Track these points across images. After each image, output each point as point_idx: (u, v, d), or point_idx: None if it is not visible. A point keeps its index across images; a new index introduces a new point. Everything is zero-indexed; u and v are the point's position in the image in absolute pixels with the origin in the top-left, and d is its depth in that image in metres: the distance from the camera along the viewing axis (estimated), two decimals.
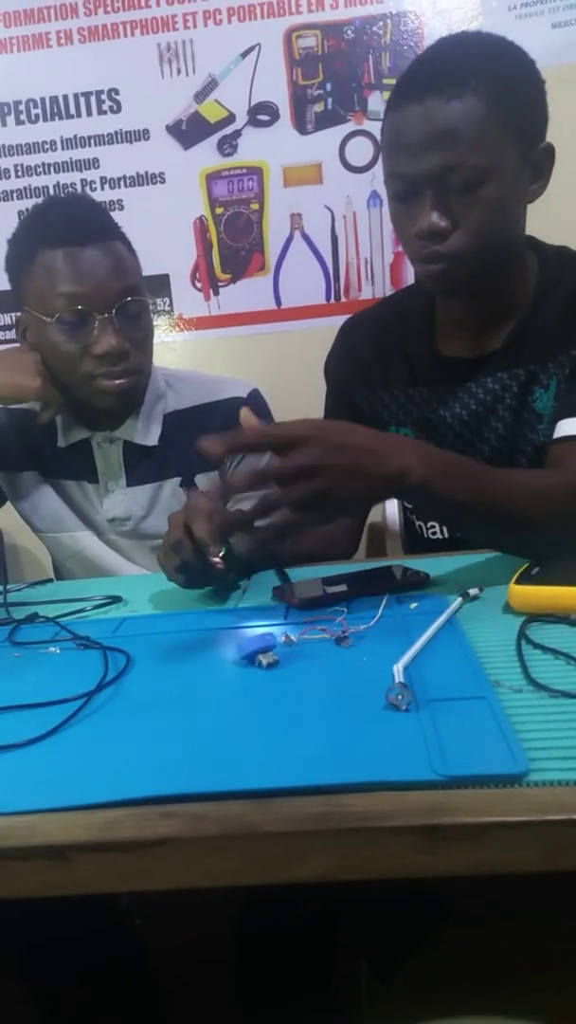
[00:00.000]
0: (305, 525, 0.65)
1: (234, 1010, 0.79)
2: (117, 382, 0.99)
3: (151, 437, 1.08)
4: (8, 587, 0.88)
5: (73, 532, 1.12)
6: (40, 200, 1.19)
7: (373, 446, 0.66)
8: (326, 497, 0.63)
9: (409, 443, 0.70)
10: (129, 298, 0.97)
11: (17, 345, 1.05)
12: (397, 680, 0.51)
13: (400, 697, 0.48)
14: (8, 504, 1.18)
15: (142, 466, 1.09)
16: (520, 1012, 0.53)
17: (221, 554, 0.73)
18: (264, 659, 0.58)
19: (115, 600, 0.84)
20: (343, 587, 0.74)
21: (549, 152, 0.86)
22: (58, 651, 0.68)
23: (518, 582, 0.66)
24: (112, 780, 0.44)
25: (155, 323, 1.77)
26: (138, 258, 1.05)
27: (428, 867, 0.38)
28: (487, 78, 0.79)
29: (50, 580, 1.05)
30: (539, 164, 0.86)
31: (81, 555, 1.13)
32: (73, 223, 0.98)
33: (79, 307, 0.95)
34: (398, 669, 0.52)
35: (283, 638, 0.62)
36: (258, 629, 0.69)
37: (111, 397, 1.00)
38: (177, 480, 1.10)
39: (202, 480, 1.11)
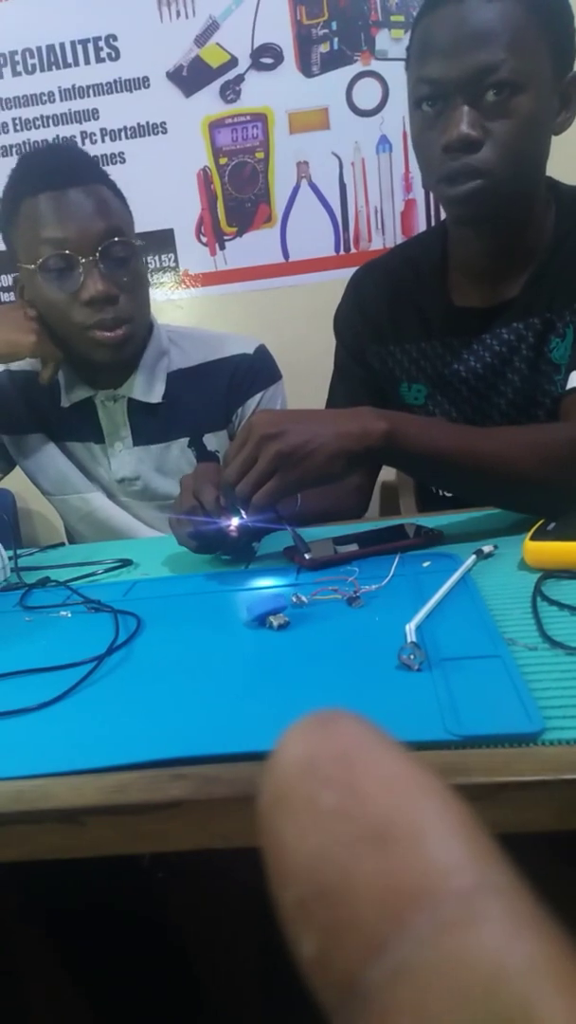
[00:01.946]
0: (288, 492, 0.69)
1: (258, 960, 0.81)
2: (111, 333, 0.97)
3: (155, 394, 1.06)
4: (20, 551, 0.88)
5: (83, 493, 1.11)
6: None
7: (316, 417, 0.70)
8: (284, 476, 0.68)
9: (369, 409, 0.72)
10: (114, 239, 0.95)
11: (13, 301, 1.04)
12: (409, 640, 0.50)
13: (412, 657, 0.48)
14: (18, 468, 1.17)
15: (148, 425, 1.08)
16: None
17: (234, 520, 0.72)
18: (275, 620, 0.58)
19: (126, 563, 0.83)
20: (355, 546, 0.73)
21: None
22: (69, 615, 0.68)
23: (533, 538, 0.64)
24: (124, 743, 0.44)
25: (160, 280, 1.75)
26: (127, 204, 1.03)
27: None
28: None
29: (62, 544, 1.04)
30: (567, 94, 0.82)
31: (92, 516, 1.13)
32: (53, 168, 0.96)
33: (61, 252, 0.93)
34: (410, 629, 0.52)
35: (294, 599, 0.62)
36: (269, 590, 0.68)
37: (107, 349, 0.98)
38: (185, 440, 1.09)
39: (211, 440, 1.10)
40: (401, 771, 0.22)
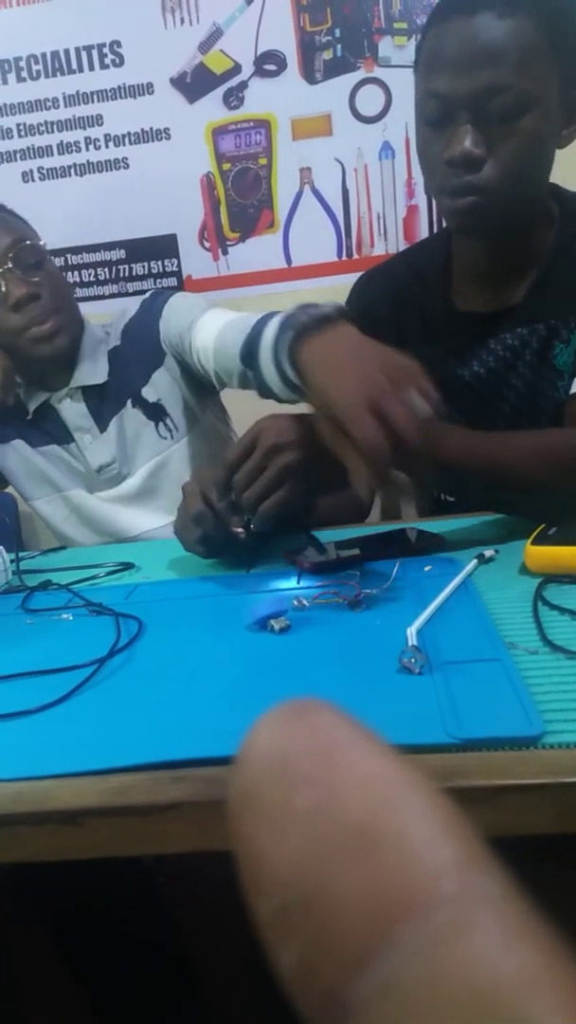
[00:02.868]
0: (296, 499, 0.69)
1: (258, 962, 0.80)
2: (42, 327, 1.03)
3: (99, 374, 1.11)
4: (21, 554, 0.88)
5: (64, 492, 1.16)
6: None
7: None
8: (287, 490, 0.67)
9: None
10: (20, 245, 1.02)
11: None
12: (410, 644, 0.50)
13: (413, 660, 0.48)
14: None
15: (103, 407, 1.13)
16: None
17: (244, 523, 0.73)
18: (276, 624, 0.58)
19: (127, 566, 0.84)
20: (356, 550, 0.73)
21: None
22: (71, 618, 0.68)
23: (535, 543, 0.64)
24: (125, 745, 0.44)
25: (164, 285, 1.76)
26: (25, 222, 1.10)
27: None
28: (544, 3, 0.75)
29: (63, 547, 1.05)
30: (574, 108, 0.82)
31: (77, 513, 1.16)
32: None
33: None
34: (411, 632, 0.52)
35: (295, 602, 0.62)
36: (271, 594, 0.68)
37: (45, 343, 1.04)
38: (129, 402, 1.12)
39: (150, 393, 1.12)
40: (382, 767, 0.20)
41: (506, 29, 0.74)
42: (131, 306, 1.18)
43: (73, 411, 1.11)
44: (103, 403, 1.12)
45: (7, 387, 1.07)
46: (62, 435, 1.13)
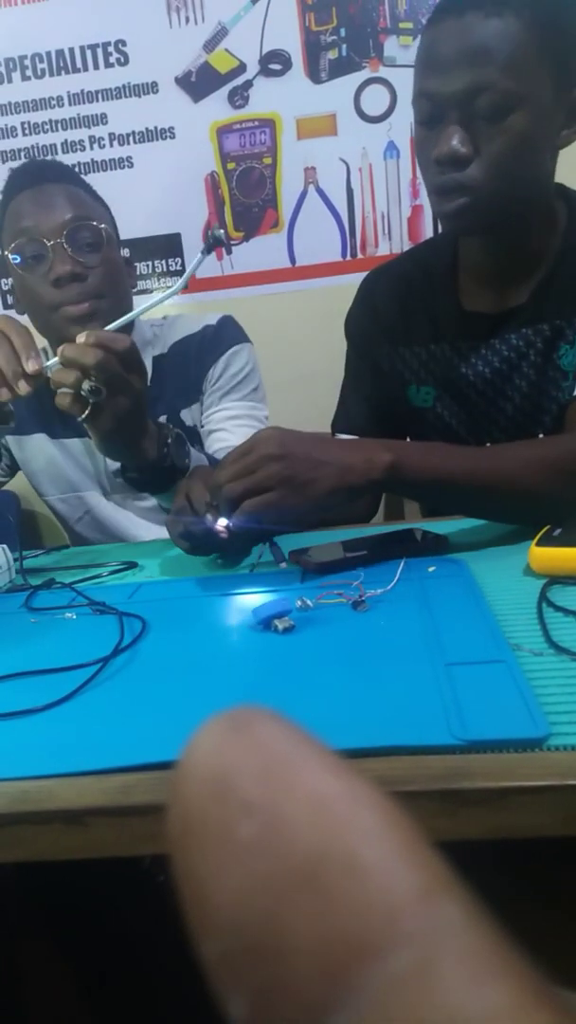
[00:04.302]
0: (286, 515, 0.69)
1: None
2: (78, 307, 1.01)
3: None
4: (25, 553, 0.88)
5: (80, 492, 1.14)
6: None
7: (321, 447, 0.70)
8: (279, 509, 0.67)
9: (374, 441, 0.73)
10: (80, 223, 1.00)
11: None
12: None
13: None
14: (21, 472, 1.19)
15: None
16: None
17: (221, 520, 0.72)
18: (280, 624, 0.58)
19: (131, 566, 0.84)
20: (360, 551, 0.73)
21: None
22: (74, 617, 0.68)
23: (539, 544, 0.64)
24: (128, 745, 0.44)
25: (168, 284, 1.75)
26: (104, 204, 1.08)
27: (446, 832, 0.38)
28: (533, 2, 0.75)
29: (66, 546, 1.05)
30: (574, 109, 0.82)
31: (90, 516, 1.15)
32: (31, 170, 1.05)
33: (30, 238, 0.99)
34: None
35: (299, 603, 0.62)
36: (274, 594, 0.68)
37: (75, 324, 1.01)
38: (164, 418, 1.11)
39: (186, 415, 1.13)
40: (331, 785, 0.18)
41: (492, 29, 0.75)
42: (186, 315, 1.18)
43: None
44: None
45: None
46: (86, 429, 1.12)
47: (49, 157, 1.73)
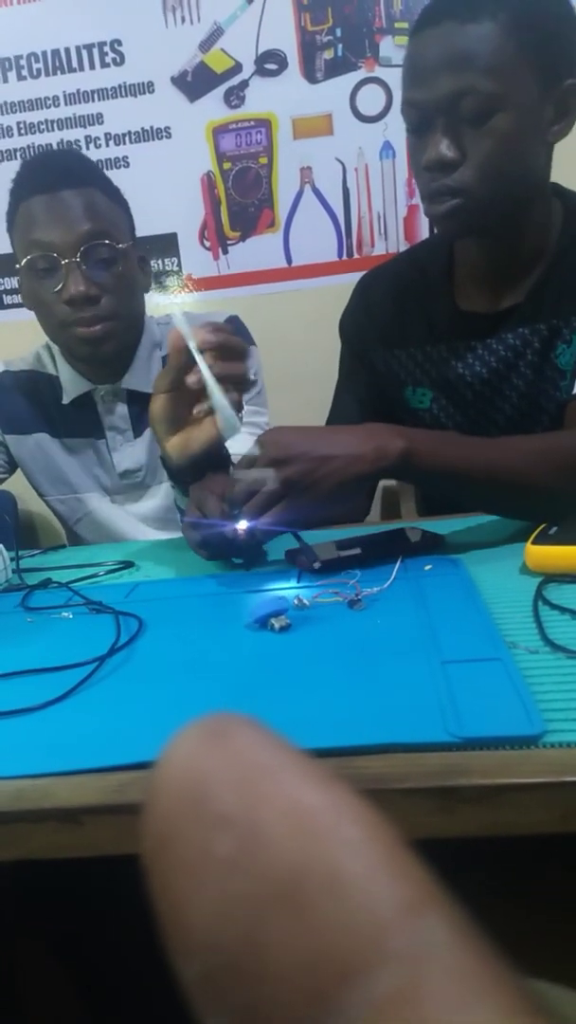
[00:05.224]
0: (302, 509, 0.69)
1: None
2: (90, 329, 0.99)
3: (150, 383, 1.09)
4: (21, 553, 0.88)
5: (80, 494, 1.13)
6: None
7: (329, 439, 0.70)
8: (298, 496, 0.67)
9: (384, 426, 0.72)
10: (97, 241, 0.97)
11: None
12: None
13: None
14: (20, 471, 1.18)
15: (144, 414, 1.10)
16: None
17: (241, 523, 0.72)
18: (276, 623, 0.58)
19: (127, 565, 0.83)
20: (356, 550, 0.73)
21: (575, 91, 0.82)
22: (71, 616, 0.68)
23: (535, 542, 0.64)
24: (124, 743, 0.44)
25: (164, 284, 1.75)
26: (125, 206, 1.05)
27: (443, 829, 0.38)
28: (508, 4, 0.76)
29: (63, 546, 1.05)
30: (564, 102, 0.82)
31: (90, 518, 1.14)
32: (48, 171, 0.99)
33: (44, 253, 0.96)
34: None
35: (296, 601, 0.62)
36: (271, 593, 0.68)
37: (86, 345, 1.00)
38: None
39: None
40: (310, 795, 0.17)
41: (469, 34, 0.76)
42: (191, 313, 1.15)
43: (113, 410, 1.09)
44: (144, 410, 1.11)
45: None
46: (95, 429, 1.11)
47: (64, 147, 1.70)
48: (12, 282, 1.78)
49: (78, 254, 0.96)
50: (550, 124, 0.82)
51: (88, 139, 1.73)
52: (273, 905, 0.15)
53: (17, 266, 1.01)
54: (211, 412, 0.72)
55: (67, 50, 1.70)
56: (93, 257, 0.97)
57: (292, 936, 0.15)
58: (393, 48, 1.63)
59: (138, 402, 1.09)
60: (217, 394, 0.70)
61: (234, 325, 1.15)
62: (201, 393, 0.72)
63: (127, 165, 1.73)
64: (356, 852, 0.16)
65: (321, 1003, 0.14)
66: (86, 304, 0.97)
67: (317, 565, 0.71)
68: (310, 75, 1.66)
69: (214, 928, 0.15)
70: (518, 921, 0.57)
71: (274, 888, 0.15)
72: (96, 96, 1.71)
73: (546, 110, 0.81)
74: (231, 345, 0.73)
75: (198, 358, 0.71)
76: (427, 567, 0.69)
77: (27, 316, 1.07)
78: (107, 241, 0.98)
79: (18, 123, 1.74)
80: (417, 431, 0.73)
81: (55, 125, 1.73)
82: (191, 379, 0.71)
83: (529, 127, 0.80)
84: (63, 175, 0.98)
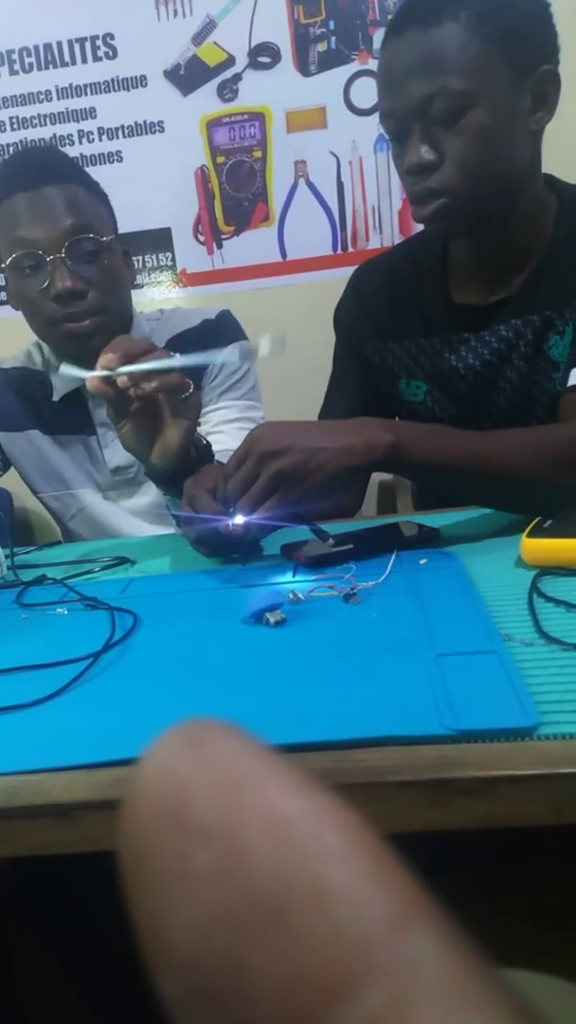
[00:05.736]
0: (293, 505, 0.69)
1: None
2: (79, 324, 0.98)
3: None
4: (16, 549, 0.88)
5: (74, 491, 1.13)
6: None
7: (319, 432, 0.70)
8: (285, 494, 0.68)
9: (374, 420, 0.72)
10: (81, 236, 0.97)
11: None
12: None
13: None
14: (13, 468, 1.18)
15: None
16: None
17: (238, 518, 0.72)
18: (271, 617, 0.58)
19: (123, 561, 0.83)
20: (352, 544, 0.73)
21: (552, 77, 0.82)
22: (66, 612, 0.68)
23: (530, 535, 0.64)
24: (118, 739, 0.44)
25: (158, 278, 1.75)
26: (106, 201, 1.04)
27: (437, 821, 0.38)
28: (468, 2, 0.77)
29: (58, 542, 1.04)
30: (542, 90, 0.82)
31: (84, 513, 1.14)
32: (27, 168, 0.99)
33: (29, 251, 0.96)
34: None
35: (291, 596, 0.62)
36: (266, 587, 0.68)
37: (76, 341, 1.00)
38: None
39: None
40: (293, 805, 0.17)
41: (432, 38, 0.77)
42: (182, 308, 1.15)
43: (103, 406, 1.08)
44: None
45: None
46: (85, 426, 1.10)
47: (43, 144, 1.70)
48: None
49: (63, 250, 0.95)
50: (530, 113, 0.82)
51: (81, 134, 1.72)
52: (255, 921, 0.15)
53: (2, 266, 1.00)
54: (159, 391, 0.74)
55: (59, 44, 1.69)
56: (78, 252, 0.97)
57: (276, 952, 0.15)
58: None
59: None
60: (146, 367, 0.72)
61: (223, 320, 1.15)
62: (138, 388, 0.73)
63: (120, 159, 1.72)
64: (341, 864, 0.16)
65: (308, 1023, 0.14)
66: (73, 299, 0.97)
67: (304, 559, 0.71)
68: (303, 68, 1.66)
69: (194, 946, 0.15)
70: (507, 920, 0.57)
71: (256, 903, 0.15)
72: (89, 90, 1.70)
73: (523, 100, 0.81)
74: (130, 349, 0.74)
75: (111, 373, 0.72)
76: (422, 561, 0.69)
77: (15, 313, 1.07)
78: (91, 235, 0.97)
79: (10, 118, 1.73)
80: (407, 424, 0.74)
81: (48, 120, 1.73)
82: (121, 380, 0.72)
83: (506, 119, 0.80)
84: (43, 172, 0.97)
